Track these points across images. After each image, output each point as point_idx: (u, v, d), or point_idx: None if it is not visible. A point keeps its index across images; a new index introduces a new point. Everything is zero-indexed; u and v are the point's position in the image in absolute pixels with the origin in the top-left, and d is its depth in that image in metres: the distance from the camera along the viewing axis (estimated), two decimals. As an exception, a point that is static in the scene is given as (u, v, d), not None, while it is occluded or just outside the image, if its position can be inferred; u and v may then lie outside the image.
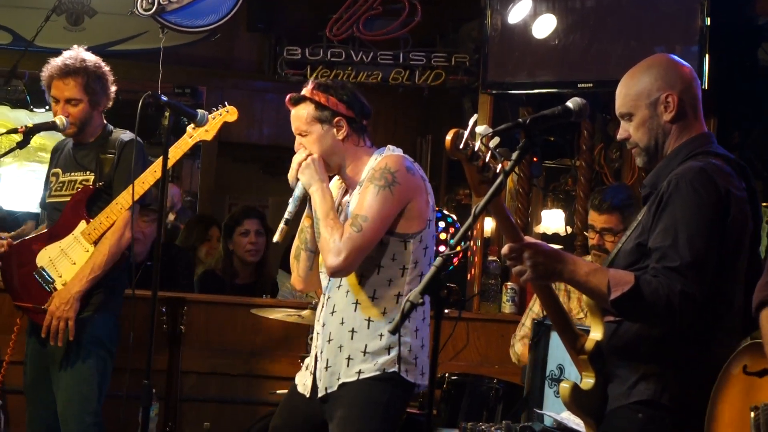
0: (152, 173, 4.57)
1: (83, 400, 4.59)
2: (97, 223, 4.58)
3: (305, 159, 3.69)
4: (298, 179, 3.71)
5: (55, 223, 4.69)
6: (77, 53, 4.68)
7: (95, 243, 4.59)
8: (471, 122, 2.79)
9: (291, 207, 3.70)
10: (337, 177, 3.84)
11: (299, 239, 3.85)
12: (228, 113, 4.67)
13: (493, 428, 4.27)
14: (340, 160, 3.74)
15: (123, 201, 4.56)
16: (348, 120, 3.70)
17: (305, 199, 3.72)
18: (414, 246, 3.64)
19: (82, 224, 4.62)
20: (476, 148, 2.77)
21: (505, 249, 2.90)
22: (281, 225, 3.66)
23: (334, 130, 3.70)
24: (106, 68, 4.74)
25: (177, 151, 4.59)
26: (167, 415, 5.26)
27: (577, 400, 3.04)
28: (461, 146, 2.74)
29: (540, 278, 2.91)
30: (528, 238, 2.93)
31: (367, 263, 3.62)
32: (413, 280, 3.64)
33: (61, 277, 4.61)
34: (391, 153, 3.71)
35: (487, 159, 2.79)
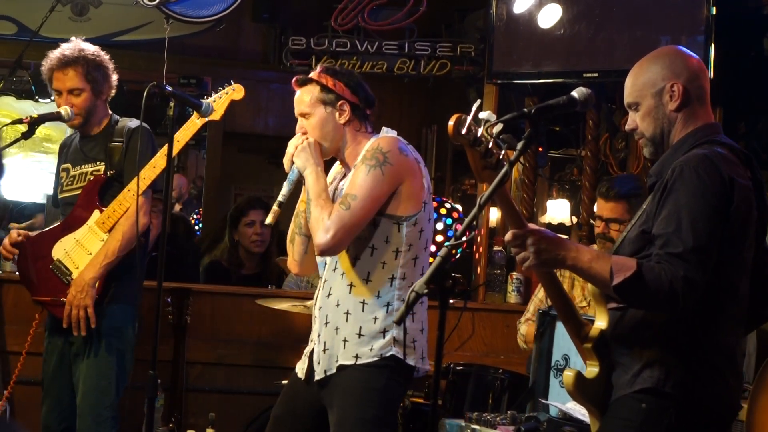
0: (163, 157, 4.53)
1: (100, 393, 4.52)
2: (110, 211, 4.53)
3: (301, 142, 3.71)
4: (293, 162, 3.72)
5: (69, 215, 4.64)
6: (75, 44, 4.66)
7: (110, 231, 4.53)
8: (474, 107, 2.79)
9: (285, 189, 3.72)
10: (338, 162, 3.85)
11: (294, 223, 3.86)
12: (234, 91, 4.63)
13: (498, 418, 4.28)
14: (340, 144, 3.75)
15: (135, 187, 4.53)
16: (351, 105, 3.72)
17: (300, 183, 3.74)
18: (408, 229, 3.64)
19: (96, 214, 4.57)
20: (479, 134, 2.76)
21: (508, 236, 2.90)
22: (274, 207, 3.67)
23: (337, 113, 3.72)
24: (106, 56, 4.71)
25: (186, 132, 4.55)
26: (172, 405, 5.27)
27: (581, 389, 3.03)
28: (463, 131, 2.74)
29: (543, 265, 2.91)
30: (531, 225, 2.93)
31: (360, 244, 3.64)
32: (407, 263, 3.65)
33: (78, 268, 4.53)
34: (385, 135, 3.73)
35: (489, 145, 2.78)
